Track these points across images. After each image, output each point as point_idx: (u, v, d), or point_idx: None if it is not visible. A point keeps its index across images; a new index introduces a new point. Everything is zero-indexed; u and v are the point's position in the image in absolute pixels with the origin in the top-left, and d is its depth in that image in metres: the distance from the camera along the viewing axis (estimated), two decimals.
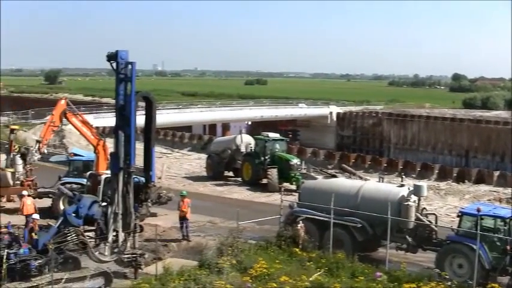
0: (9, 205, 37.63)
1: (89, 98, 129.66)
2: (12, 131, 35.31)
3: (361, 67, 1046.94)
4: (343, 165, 44.99)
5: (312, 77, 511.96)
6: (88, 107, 79.95)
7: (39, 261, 21.52)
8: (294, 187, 42.14)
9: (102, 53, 23.22)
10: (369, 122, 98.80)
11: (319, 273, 22.25)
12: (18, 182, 35.66)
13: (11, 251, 21.27)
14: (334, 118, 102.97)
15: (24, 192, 31.98)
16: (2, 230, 24.35)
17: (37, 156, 34.82)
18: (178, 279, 21.72)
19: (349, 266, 23.65)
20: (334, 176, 31.36)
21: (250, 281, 21.55)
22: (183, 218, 29.85)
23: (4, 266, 20.47)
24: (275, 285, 21.03)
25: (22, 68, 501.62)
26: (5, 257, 20.72)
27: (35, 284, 20.40)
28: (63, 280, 20.78)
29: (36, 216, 25.77)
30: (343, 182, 29.98)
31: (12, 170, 34.38)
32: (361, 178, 33.99)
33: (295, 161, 44.98)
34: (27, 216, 30.23)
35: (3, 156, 35.23)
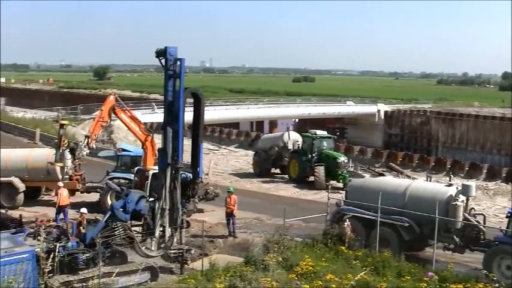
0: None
1: (137, 94, 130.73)
2: (62, 126, 35.62)
3: (410, 65, 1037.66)
4: (391, 163, 44.75)
5: (360, 75, 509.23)
6: (136, 102, 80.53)
7: (87, 255, 21.67)
8: (340, 185, 41.99)
9: (151, 49, 23.34)
10: (417, 121, 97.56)
11: (364, 272, 22.02)
12: (67, 177, 36.10)
13: (59, 245, 21.49)
14: (382, 116, 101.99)
15: (60, 184, 32.48)
16: (51, 223, 24.67)
17: (86, 151, 35.14)
18: (224, 275, 21.67)
19: (395, 265, 23.35)
20: (381, 175, 31.17)
21: (296, 278, 21.42)
22: (229, 215, 29.87)
23: (56, 259, 20.68)
24: (321, 283, 20.87)
25: (72, 63, 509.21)
26: (56, 250, 20.94)
27: (82, 278, 20.55)
28: (114, 274, 20.93)
29: (84, 210, 26.04)
30: (390, 181, 29.70)
31: (61, 164, 34.73)
32: (408, 177, 33.70)
33: (342, 159, 44.71)
34: (62, 207, 30.84)
35: (53, 151, 35.61)
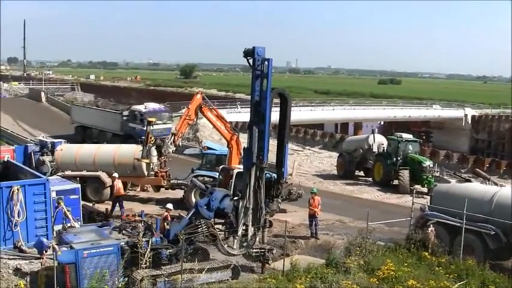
0: (142, 194, 38.87)
1: (223, 93, 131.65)
2: (149, 123, 36.20)
3: (499, 69, 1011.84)
4: (477, 169, 43.64)
5: (447, 78, 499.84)
6: (221, 101, 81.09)
7: (170, 250, 21.96)
8: (425, 190, 41.41)
9: (237, 49, 23.46)
10: (505, 126, 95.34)
11: (459, 283, 21.56)
12: (153, 173, 36.72)
13: (143, 239, 21.83)
14: (469, 121, 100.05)
15: (115, 175, 33.47)
16: (136, 218, 25.10)
17: (172, 148, 35.65)
18: (305, 276, 21.64)
19: (479, 274, 22.83)
20: (468, 181, 30.47)
21: (377, 282, 21.23)
22: (312, 216, 29.78)
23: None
24: None
25: (159, 62, 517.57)
26: (143, 244, 21.28)
27: (165, 273, 20.82)
28: (196, 270, 21.15)
29: (170, 206, 26.46)
30: (477, 187, 29.02)
31: (147, 160, 35.34)
32: (495, 184, 32.84)
33: (427, 163, 44.12)
34: (118, 197, 32.16)
35: (140, 147, 36.24)
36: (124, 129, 55.77)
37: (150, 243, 21.49)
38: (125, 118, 56.10)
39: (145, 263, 20.87)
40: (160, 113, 56.06)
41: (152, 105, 58.27)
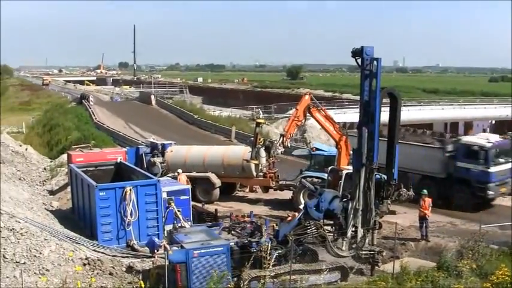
0: (251, 195, 39.12)
1: (329, 94, 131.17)
2: (258, 124, 36.34)
3: None
4: None
5: None
6: (328, 102, 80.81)
7: (279, 251, 22.03)
8: None
9: (344, 49, 23.37)
10: None
11: None
12: (261, 174, 36.90)
13: (253, 240, 21.96)
14: None
15: (179, 170, 34.49)
16: (246, 219, 25.28)
17: (281, 149, 35.67)
18: (415, 280, 21.23)
19: None
20: None
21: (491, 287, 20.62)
22: (422, 218, 29.21)
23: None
24: None
25: (265, 63, 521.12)
26: (253, 245, 21.45)
27: (274, 274, 20.87)
28: (305, 272, 21.14)
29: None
30: None
31: (256, 161, 35.51)
32: None
33: None
34: None
35: (248, 149, 36.50)
36: (448, 169, 36.68)
37: (259, 244, 21.62)
38: (449, 154, 37.07)
39: (255, 264, 21.00)
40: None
41: (493, 137, 37.76)
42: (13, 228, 22.00)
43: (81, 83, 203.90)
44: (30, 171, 45.20)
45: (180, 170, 34.51)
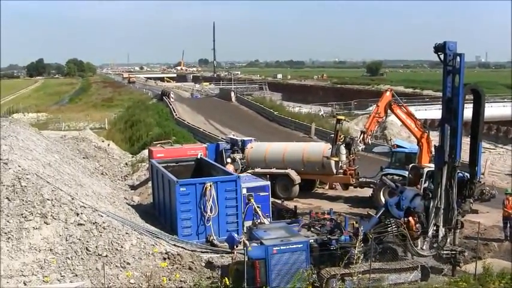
0: (331, 192, 38.97)
1: (410, 90, 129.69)
2: (338, 121, 36.18)
3: None
4: None
5: None
6: (409, 98, 79.86)
7: (359, 249, 21.85)
8: None
9: (425, 44, 22.99)
10: None
11: None
12: (341, 171, 36.72)
13: (332, 237, 21.84)
14: None
15: (228, 160, 35.46)
16: (326, 216, 25.16)
17: (361, 146, 35.44)
18: (498, 281, 20.80)
19: None
20: None
21: None
22: (507, 218, 28.58)
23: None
24: None
25: (345, 60, 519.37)
26: (332, 242, 21.36)
27: (353, 272, 20.71)
28: (385, 270, 20.94)
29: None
30: None
31: (336, 158, 35.32)
32: None
33: None
34: None
35: (328, 145, 36.36)
36: None
37: (338, 241, 21.50)
38: None
39: (334, 261, 20.90)
40: None
41: None
42: (96, 222, 22.46)
43: (162, 79, 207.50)
44: (112, 166, 46.14)
45: (228, 160, 35.76)
